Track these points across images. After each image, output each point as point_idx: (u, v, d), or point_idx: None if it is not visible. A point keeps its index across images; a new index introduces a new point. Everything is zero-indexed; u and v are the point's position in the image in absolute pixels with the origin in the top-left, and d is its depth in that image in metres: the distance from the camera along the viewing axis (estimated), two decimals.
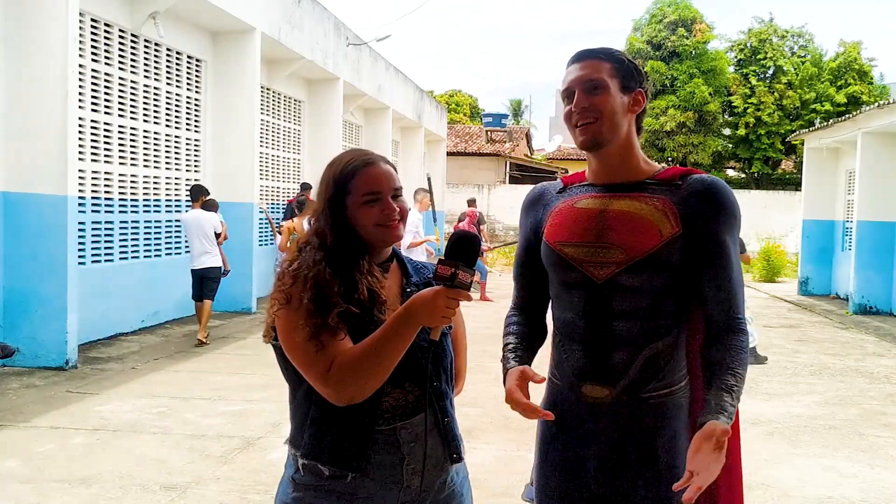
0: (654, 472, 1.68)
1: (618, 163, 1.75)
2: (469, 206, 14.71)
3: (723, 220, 1.67)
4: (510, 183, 29.29)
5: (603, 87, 1.70)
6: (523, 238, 1.90)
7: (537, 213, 1.87)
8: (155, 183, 9.30)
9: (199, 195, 8.40)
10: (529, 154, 36.97)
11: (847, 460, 4.81)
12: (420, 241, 8.90)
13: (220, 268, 8.21)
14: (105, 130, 8.25)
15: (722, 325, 1.67)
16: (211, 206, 8.36)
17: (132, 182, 8.80)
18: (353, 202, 1.63)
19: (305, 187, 11.65)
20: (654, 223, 1.66)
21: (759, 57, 29.97)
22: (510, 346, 1.82)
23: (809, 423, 5.66)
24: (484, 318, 9.47)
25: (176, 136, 9.75)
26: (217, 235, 8.16)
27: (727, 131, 31.28)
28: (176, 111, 9.72)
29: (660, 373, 1.68)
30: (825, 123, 15.26)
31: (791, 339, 9.48)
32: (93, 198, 8.06)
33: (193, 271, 8.15)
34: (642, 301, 1.67)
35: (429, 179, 12.97)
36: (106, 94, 8.24)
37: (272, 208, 12.59)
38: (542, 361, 1.82)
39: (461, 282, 1.48)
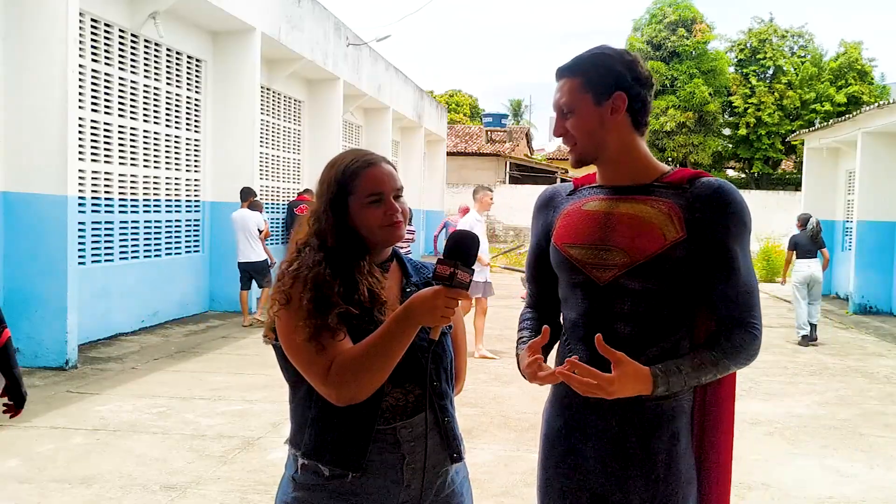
0: (653, 472, 1.68)
1: (619, 167, 1.75)
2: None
3: (730, 226, 1.64)
4: (510, 183, 29.30)
5: (572, 110, 1.71)
6: (535, 240, 1.91)
7: (548, 214, 1.88)
8: (155, 183, 9.30)
9: (247, 196, 9.42)
10: (529, 154, 37.00)
11: (847, 460, 4.81)
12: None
13: (264, 260, 9.24)
14: (105, 130, 8.25)
15: (731, 324, 1.66)
16: (256, 206, 9.35)
17: (132, 182, 8.80)
18: (355, 203, 1.63)
19: (309, 192, 11.69)
20: (659, 227, 1.65)
21: (759, 57, 30.00)
22: (523, 339, 1.84)
23: (809, 423, 5.66)
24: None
25: (176, 136, 9.75)
26: (260, 232, 9.10)
27: (727, 131, 31.32)
28: (176, 111, 9.72)
29: None
30: (825, 123, 15.27)
31: (791, 339, 9.47)
32: (93, 198, 8.06)
33: (239, 264, 9.19)
34: (644, 304, 1.67)
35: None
36: (106, 94, 8.24)
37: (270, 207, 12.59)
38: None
39: (460, 281, 1.48)
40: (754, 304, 1.67)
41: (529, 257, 1.94)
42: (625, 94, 1.70)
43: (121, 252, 8.56)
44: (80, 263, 7.33)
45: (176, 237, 9.74)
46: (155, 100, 9.23)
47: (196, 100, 10.20)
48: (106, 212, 8.30)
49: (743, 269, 1.66)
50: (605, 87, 1.69)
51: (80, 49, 7.51)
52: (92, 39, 7.98)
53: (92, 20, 7.95)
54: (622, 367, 1.56)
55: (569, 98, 1.70)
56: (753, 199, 24.30)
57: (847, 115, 13.63)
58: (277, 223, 12.65)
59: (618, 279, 1.67)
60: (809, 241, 9.45)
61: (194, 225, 10.18)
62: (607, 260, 1.68)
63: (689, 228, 1.65)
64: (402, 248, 10.78)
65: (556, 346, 1.86)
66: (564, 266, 1.76)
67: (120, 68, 8.49)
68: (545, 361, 1.78)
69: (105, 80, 8.21)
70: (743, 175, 32.28)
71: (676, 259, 1.64)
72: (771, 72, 30.10)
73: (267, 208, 12.31)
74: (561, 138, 1.77)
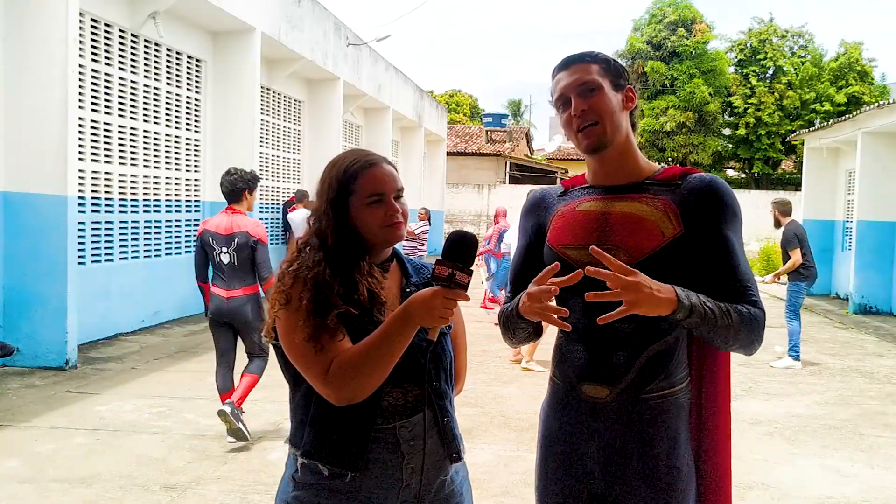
0: (653, 472, 1.68)
1: (618, 164, 1.76)
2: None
3: (724, 216, 1.67)
4: (510, 183, 29.30)
5: (597, 87, 1.71)
6: (524, 241, 1.90)
7: (539, 216, 1.87)
8: (155, 183, 9.30)
9: (303, 198, 9.98)
10: (529, 154, 37.00)
11: (847, 460, 4.81)
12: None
13: None
14: (105, 130, 8.26)
15: (739, 301, 1.65)
16: (311, 207, 9.95)
17: (132, 182, 8.80)
18: (356, 203, 1.63)
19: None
20: (656, 224, 1.67)
21: (759, 57, 29.98)
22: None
23: (809, 423, 5.66)
24: (484, 318, 9.48)
25: (176, 136, 9.75)
26: None
27: (727, 131, 31.30)
28: (176, 111, 9.72)
29: (660, 373, 1.68)
30: (825, 123, 15.28)
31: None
32: (93, 198, 8.06)
33: None
34: None
35: None
36: (106, 94, 8.24)
37: (273, 207, 12.59)
38: (545, 360, 1.82)
39: (458, 282, 1.48)
40: (755, 290, 1.68)
41: (516, 259, 1.92)
42: (633, 90, 1.76)
43: (121, 252, 8.56)
44: (80, 263, 7.33)
45: (176, 237, 9.74)
46: (155, 100, 9.23)
47: (196, 100, 10.20)
48: (106, 212, 8.30)
49: (741, 256, 1.68)
50: (620, 77, 1.74)
51: (80, 49, 7.51)
52: (92, 39, 7.98)
53: (92, 20, 7.95)
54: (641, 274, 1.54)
55: (593, 77, 1.71)
56: (753, 200, 24.26)
57: (847, 115, 13.63)
58: (277, 223, 12.65)
59: None
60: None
61: (194, 225, 10.16)
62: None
63: (685, 223, 1.67)
64: (418, 247, 10.80)
65: (552, 351, 1.86)
66: (562, 267, 1.75)
67: (120, 68, 8.49)
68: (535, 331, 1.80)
69: (105, 80, 8.21)
70: (743, 175, 32.26)
71: (675, 254, 1.65)
72: (771, 72, 30.08)
73: (267, 208, 12.32)
74: (571, 124, 1.73)
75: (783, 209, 7.90)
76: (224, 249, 4.62)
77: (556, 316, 1.59)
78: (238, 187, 4.65)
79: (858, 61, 28.78)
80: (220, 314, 4.73)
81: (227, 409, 4.55)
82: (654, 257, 1.65)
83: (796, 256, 7.63)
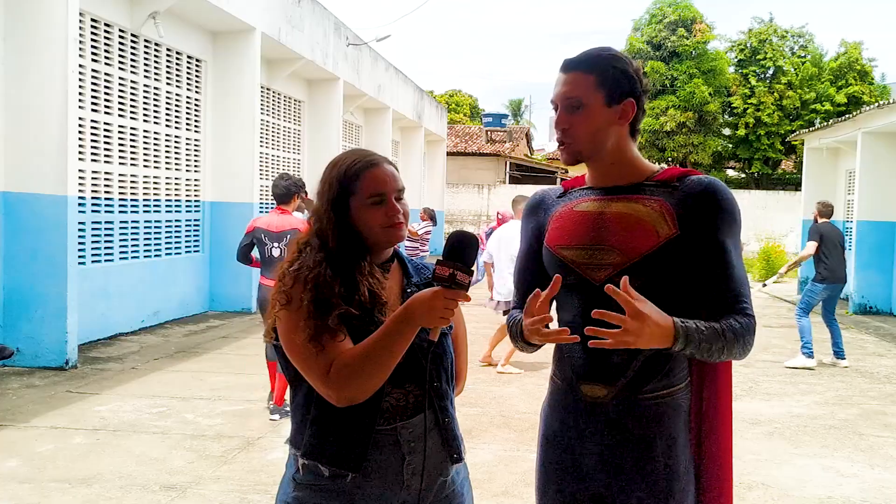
0: (652, 472, 1.68)
1: (612, 168, 1.75)
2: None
3: (721, 221, 1.66)
4: (510, 183, 29.31)
5: (582, 105, 1.68)
6: (525, 243, 1.90)
7: (539, 217, 1.87)
8: (155, 183, 9.30)
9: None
10: (529, 154, 37.00)
11: (847, 460, 4.81)
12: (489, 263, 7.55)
13: None
14: (105, 130, 8.25)
15: (728, 312, 1.64)
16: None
17: (132, 182, 8.80)
18: (357, 203, 1.63)
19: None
20: (652, 224, 1.66)
21: (759, 57, 29.98)
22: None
23: (809, 423, 5.66)
24: (484, 319, 9.46)
25: (176, 136, 9.75)
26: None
27: (727, 131, 31.30)
28: (176, 111, 9.72)
29: (659, 373, 1.68)
30: (825, 123, 15.28)
31: (791, 339, 9.46)
32: (93, 198, 8.06)
33: None
34: None
35: None
36: (106, 94, 8.24)
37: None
38: (543, 360, 1.82)
39: (459, 283, 1.48)
40: (747, 294, 1.68)
41: (519, 263, 1.92)
42: (634, 102, 1.71)
43: (121, 252, 8.56)
44: (80, 263, 7.33)
45: (176, 237, 9.74)
46: (155, 100, 9.23)
47: (196, 100, 10.20)
48: (106, 212, 8.30)
49: (735, 261, 1.67)
50: (619, 90, 1.69)
51: (80, 49, 7.51)
52: (92, 39, 7.98)
53: (92, 20, 7.95)
54: (645, 304, 1.52)
55: (581, 92, 1.68)
56: (753, 199, 24.34)
57: (847, 115, 13.63)
58: None
59: (613, 278, 1.67)
60: None
61: (194, 225, 10.18)
62: (602, 259, 1.69)
63: (681, 225, 1.66)
64: (420, 248, 10.72)
65: (552, 349, 1.86)
66: (559, 268, 1.75)
67: (120, 68, 8.49)
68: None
69: (105, 80, 8.21)
70: (743, 175, 32.27)
71: (670, 256, 1.65)
72: (771, 72, 30.08)
73: (267, 208, 12.32)
74: (559, 132, 1.74)
75: (822, 210, 8.12)
76: (276, 244, 5.23)
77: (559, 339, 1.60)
78: (291, 191, 5.43)
79: (858, 61, 28.78)
80: None
81: (276, 416, 5.29)
82: (648, 257, 1.65)
83: (808, 249, 7.77)
